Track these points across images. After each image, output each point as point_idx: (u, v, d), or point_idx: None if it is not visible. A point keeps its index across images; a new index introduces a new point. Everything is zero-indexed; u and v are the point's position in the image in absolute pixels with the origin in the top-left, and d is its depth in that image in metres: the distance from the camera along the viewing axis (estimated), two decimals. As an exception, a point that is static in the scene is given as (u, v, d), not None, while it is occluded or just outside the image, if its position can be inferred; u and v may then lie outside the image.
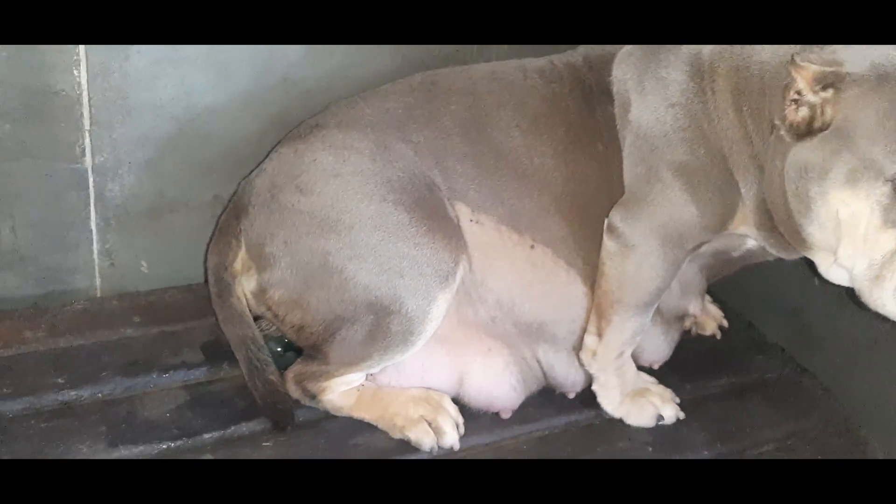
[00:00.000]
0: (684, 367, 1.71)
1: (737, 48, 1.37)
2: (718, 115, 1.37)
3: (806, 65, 1.18)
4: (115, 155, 1.64)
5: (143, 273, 1.77)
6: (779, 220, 1.34)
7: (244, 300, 1.47)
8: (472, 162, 1.48)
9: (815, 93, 1.20)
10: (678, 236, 1.42)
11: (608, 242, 1.45)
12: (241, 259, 1.47)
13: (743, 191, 1.39)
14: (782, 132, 1.26)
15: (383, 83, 1.65)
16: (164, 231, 1.75)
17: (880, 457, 1.60)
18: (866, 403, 1.70)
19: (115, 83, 1.58)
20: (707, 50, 1.40)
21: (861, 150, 1.18)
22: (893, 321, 1.50)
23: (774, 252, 1.46)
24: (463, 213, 1.46)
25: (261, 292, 1.44)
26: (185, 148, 1.69)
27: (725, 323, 1.89)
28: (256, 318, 1.49)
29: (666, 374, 1.68)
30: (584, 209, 1.48)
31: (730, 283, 1.93)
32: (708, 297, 1.93)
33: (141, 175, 1.68)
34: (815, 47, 1.25)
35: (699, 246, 1.46)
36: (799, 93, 1.21)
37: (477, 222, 1.46)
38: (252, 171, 1.53)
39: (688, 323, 1.84)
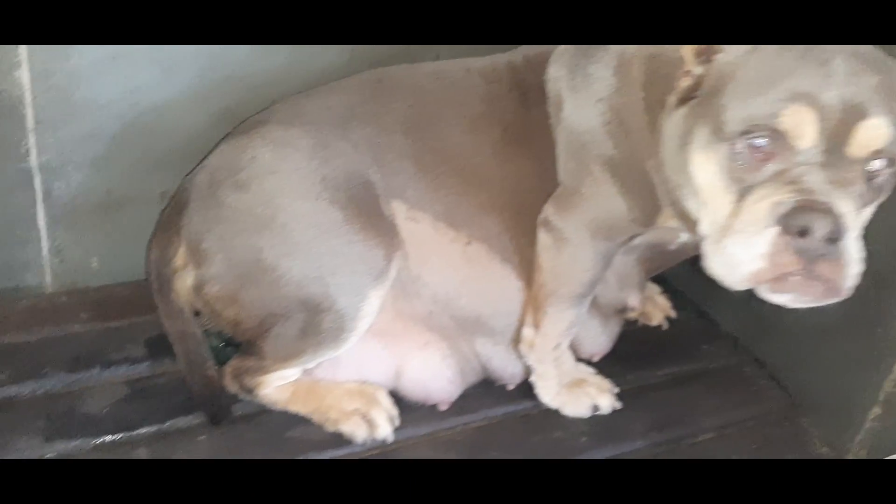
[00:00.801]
0: (628, 357, 1.74)
1: None
2: (633, 107, 1.39)
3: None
4: (61, 154, 1.66)
5: (94, 269, 1.79)
6: (673, 203, 1.34)
7: (184, 295, 1.49)
8: (412, 160, 1.49)
9: (698, 65, 1.21)
10: (608, 229, 1.44)
11: (542, 236, 1.47)
12: (181, 254, 1.48)
13: (655, 181, 1.39)
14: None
15: (332, 79, 1.66)
16: (113, 228, 1.77)
17: (818, 446, 1.63)
18: (812, 392, 1.73)
19: (59, 83, 1.60)
20: (640, 57, 1.40)
21: (715, 113, 1.17)
22: (842, 310, 1.54)
23: None
24: (399, 210, 1.48)
25: (198, 287, 1.46)
26: (132, 145, 1.71)
27: (673, 313, 1.91)
28: (197, 314, 1.51)
29: (609, 364, 1.70)
30: (521, 206, 1.50)
31: (685, 273, 1.95)
32: (658, 288, 1.95)
33: (88, 173, 1.70)
34: None
35: (631, 238, 1.48)
36: (688, 69, 1.23)
37: (413, 219, 1.48)
38: (196, 166, 1.55)
39: (635, 314, 1.87)
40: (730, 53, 1.18)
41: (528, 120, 1.51)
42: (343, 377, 1.50)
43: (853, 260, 1.11)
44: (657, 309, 1.89)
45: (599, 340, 1.67)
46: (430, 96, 1.54)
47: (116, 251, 1.79)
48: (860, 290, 1.56)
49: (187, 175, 1.54)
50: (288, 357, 1.43)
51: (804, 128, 1.09)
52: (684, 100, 1.24)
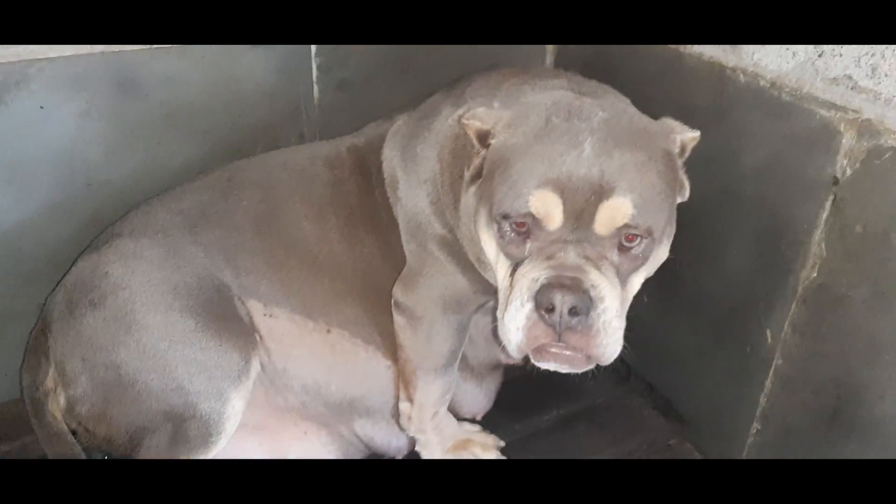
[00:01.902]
0: (515, 405, 1.79)
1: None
2: (446, 186, 1.44)
3: (469, 122, 1.28)
4: (-66, 280, 1.67)
5: (-20, 387, 1.80)
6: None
7: (60, 417, 1.51)
8: (263, 257, 1.53)
9: (481, 147, 1.29)
10: (456, 303, 1.49)
11: (397, 316, 1.51)
12: (51, 376, 1.50)
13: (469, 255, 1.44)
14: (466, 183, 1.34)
15: (193, 171, 1.70)
16: (-7, 344, 1.78)
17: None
18: (698, 413, 1.79)
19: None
20: (452, 121, 1.45)
21: (489, 195, 1.26)
22: (714, 330, 1.59)
23: None
24: (255, 308, 1.51)
25: (69, 408, 1.49)
26: (0, 264, 1.72)
27: (560, 353, 1.95)
28: (74, 433, 1.53)
29: (497, 416, 1.76)
30: (375, 287, 1.54)
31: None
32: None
33: (-40, 294, 1.71)
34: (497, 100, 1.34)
35: (482, 306, 1.52)
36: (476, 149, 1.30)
37: (271, 315, 1.51)
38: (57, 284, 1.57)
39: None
40: (500, 137, 1.25)
41: (371, 201, 1.55)
42: (223, 477, 1.53)
43: (606, 329, 1.17)
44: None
45: (478, 400, 1.72)
46: (278, 189, 1.57)
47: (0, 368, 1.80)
48: (727, 311, 1.65)
49: (50, 295, 1.56)
50: (162, 469, 1.46)
51: (551, 210, 1.17)
52: (475, 178, 1.30)
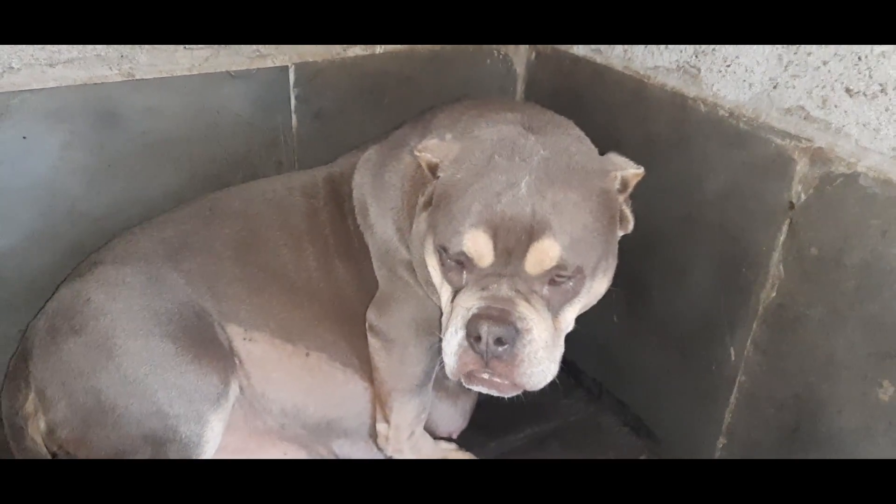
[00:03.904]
0: (489, 425, 1.84)
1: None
2: (408, 212, 1.49)
3: (421, 154, 1.35)
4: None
5: (-39, 416, 1.81)
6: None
7: (40, 441, 1.53)
8: (243, 284, 1.57)
9: (432, 177, 1.36)
10: (428, 325, 1.54)
11: (371, 340, 1.55)
12: (31, 401, 1.53)
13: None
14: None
15: (173, 200, 1.74)
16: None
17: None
18: (666, 429, 1.84)
19: None
20: (410, 167, 1.51)
21: (434, 226, 1.33)
22: (680, 351, 1.64)
23: None
24: (235, 333, 1.55)
25: (50, 433, 1.50)
26: (-19, 294, 1.75)
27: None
28: (55, 456, 1.55)
29: (473, 435, 1.80)
30: (351, 312, 1.59)
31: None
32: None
33: (-59, 324, 1.73)
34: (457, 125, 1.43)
35: None
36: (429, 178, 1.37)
37: (250, 339, 1.55)
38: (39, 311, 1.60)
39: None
40: (447, 172, 1.32)
41: (344, 229, 1.60)
42: (204, 499, 1.56)
43: (531, 359, 1.24)
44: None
45: (453, 419, 1.76)
46: (257, 219, 1.62)
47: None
48: (693, 331, 1.71)
49: (32, 321, 1.59)
50: (142, 492, 1.48)
51: (482, 250, 1.24)
52: (426, 205, 1.37)
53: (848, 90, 1.37)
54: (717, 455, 1.74)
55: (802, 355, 1.49)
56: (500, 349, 1.22)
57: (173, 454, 1.44)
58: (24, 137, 1.67)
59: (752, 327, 1.58)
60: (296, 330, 1.57)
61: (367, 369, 1.59)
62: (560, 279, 1.26)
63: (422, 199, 1.39)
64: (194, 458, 1.45)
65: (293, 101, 1.92)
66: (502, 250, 1.23)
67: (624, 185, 1.36)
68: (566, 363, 2.07)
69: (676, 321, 1.77)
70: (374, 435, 1.63)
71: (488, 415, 1.83)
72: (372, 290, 1.57)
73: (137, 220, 1.71)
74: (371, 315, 1.54)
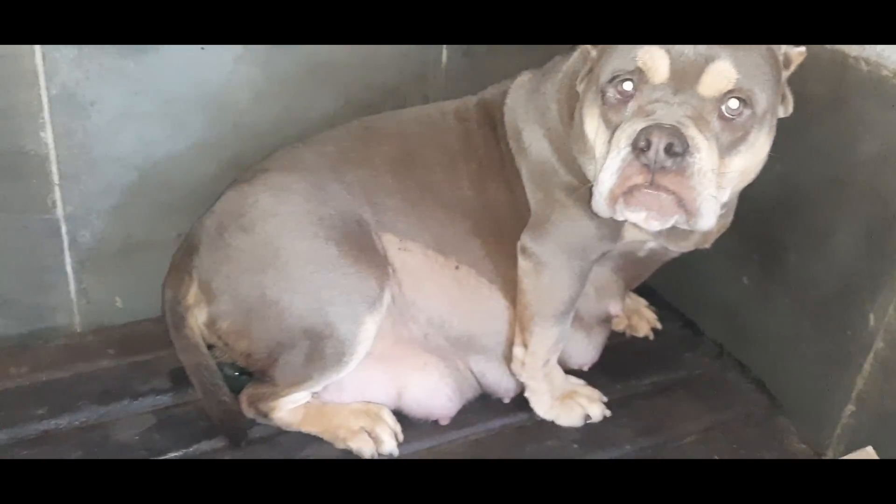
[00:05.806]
0: (615, 368, 1.86)
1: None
2: (565, 128, 1.52)
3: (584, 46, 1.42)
4: (84, 204, 1.81)
5: (118, 308, 1.94)
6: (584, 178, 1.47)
7: (197, 330, 1.62)
8: (400, 196, 1.63)
9: (592, 51, 1.41)
10: (582, 250, 1.56)
11: (522, 262, 1.59)
12: (193, 293, 1.62)
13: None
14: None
15: (327, 124, 1.82)
16: (134, 269, 1.91)
17: (795, 443, 1.74)
18: (791, 393, 1.84)
19: (79, 140, 1.75)
20: (569, 73, 1.55)
21: (596, 78, 1.36)
22: (814, 316, 1.64)
23: (671, 247, 1.60)
24: (391, 242, 1.61)
25: (211, 323, 1.60)
26: (148, 194, 1.86)
27: (659, 325, 2.03)
28: (211, 347, 1.65)
29: (597, 375, 1.83)
30: (500, 231, 1.63)
31: (672, 284, 2.07)
32: (644, 301, 2.08)
33: (109, 220, 1.85)
34: None
35: (604, 254, 1.60)
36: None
37: (405, 249, 1.61)
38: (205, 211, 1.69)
39: (622, 326, 1.99)
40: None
41: (497, 152, 1.64)
42: (349, 399, 1.63)
43: (699, 176, 1.22)
44: (643, 321, 2.01)
45: (586, 352, 1.79)
46: (412, 139, 1.68)
47: (138, 291, 1.93)
48: (830, 297, 1.70)
49: (197, 219, 1.68)
50: (297, 382, 1.56)
51: (657, 63, 1.25)
52: (586, 74, 1.41)
53: None
54: (844, 421, 1.73)
55: (951, 322, 1.47)
56: (669, 161, 1.20)
57: (329, 350, 1.52)
58: (203, 48, 1.77)
59: (897, 293, 1.55)
60: (448, 243, 1.62)
61: (510, 289, 1.63)
62: (731, 114, 1.26)
63: (579, 83, 1.43)
64: (349, 355, 1.53)
65: (445, 36, 1.97)
66: (676, 69, 1.24)
67: (787, 61, 1.36)
68: (686, 322, 2.11)
69: (814, 285, 1.75)
70: (509, 357, 1.67)
71: (613, 361, 1.86)
72: (523, 213, 1.61)
73: (295, 138, 1.78)
74: (526, 238, 1.58)
